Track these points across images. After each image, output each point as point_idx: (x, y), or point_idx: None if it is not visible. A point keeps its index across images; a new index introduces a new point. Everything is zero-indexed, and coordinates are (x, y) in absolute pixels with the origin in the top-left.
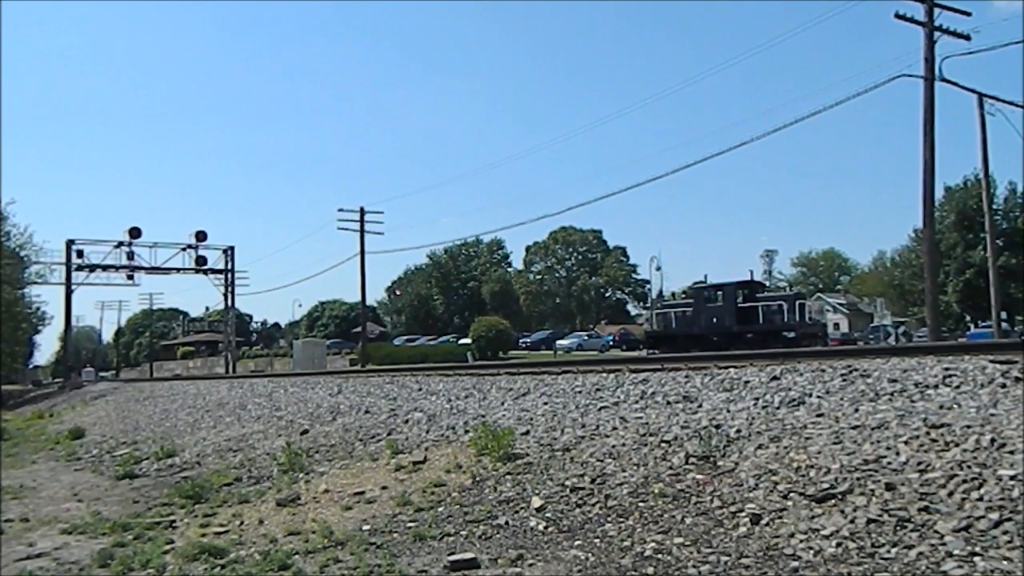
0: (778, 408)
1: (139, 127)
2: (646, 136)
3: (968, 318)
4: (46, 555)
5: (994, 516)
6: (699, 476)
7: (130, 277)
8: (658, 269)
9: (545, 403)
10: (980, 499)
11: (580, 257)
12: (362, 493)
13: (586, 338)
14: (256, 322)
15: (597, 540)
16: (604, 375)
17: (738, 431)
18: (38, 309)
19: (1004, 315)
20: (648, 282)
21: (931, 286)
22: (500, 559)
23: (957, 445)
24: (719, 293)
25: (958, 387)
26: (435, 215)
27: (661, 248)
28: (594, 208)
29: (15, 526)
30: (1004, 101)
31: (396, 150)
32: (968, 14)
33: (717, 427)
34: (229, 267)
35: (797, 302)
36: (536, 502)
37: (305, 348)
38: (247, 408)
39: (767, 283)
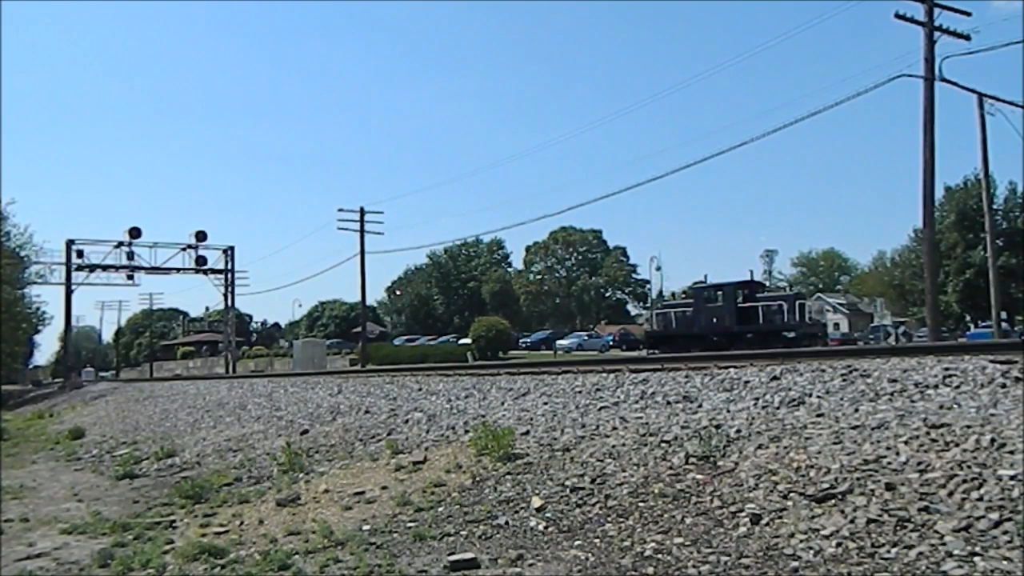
0: (778, 408)
1: (139, 127)
2: (646, 136)
3: (968, 318)
4: (46, 555)
5: (994, 516)
6: (699, 476)
7: (130, 277)
8: (658, 269)
9: (545, 403)
10: (980, 499)
11: (580, 257)
12: (362, 493)
13: (586, 338)
14: (256, 322)
15: (597, 540)
16: (604, 375)
17: (738, 431)
18: (38, 309)
19: (1004, 315)
20: (648, 282)
21: (931, 286)
22: (500, 559)
23: (957, 445)
24: (719, 293)
25: (958, 387)
26: (435, 215)
27: (661, 248)
28: (594, 208)
29: (15, 526)
30: (1004, 101)
31: (396, 150)
32: (968, 14)
33: (717, 427)
34: (229, 267)
35: (797, 302)
36: (536, 502)
37: (305, 348)
38: (247, 408)
39: (767, 283)
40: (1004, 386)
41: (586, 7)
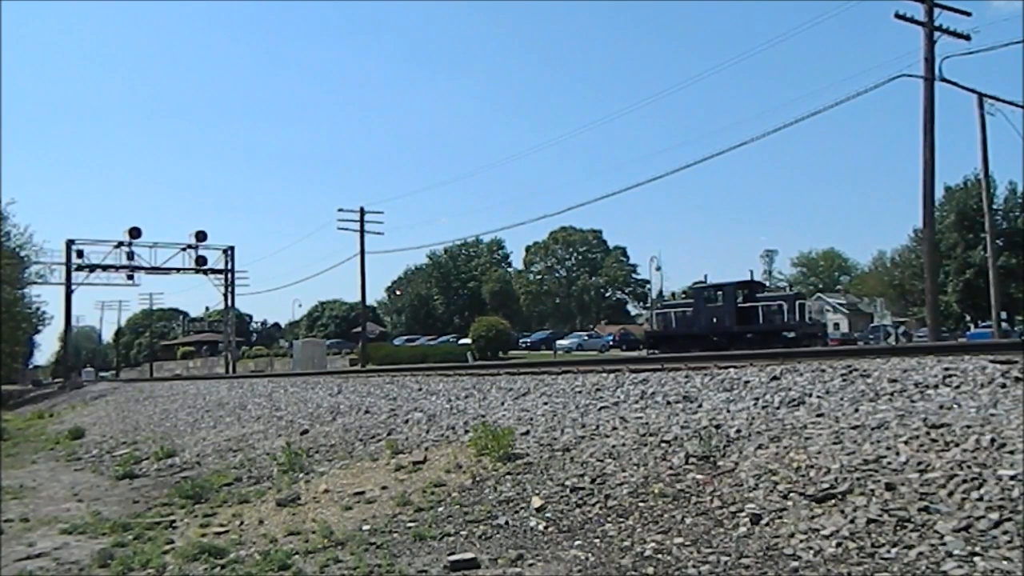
0: (778, 408)
1: (139, 127)
2: (646, 136)
3: (968, 318)
4: (46, 555)
5: (994, 516)
6: (699, 476)
7: (130, 277)
8: (658, 269)
9: (545, 403)
10: (980, 499)
11: (580, 257)
12: (362, 493)
13: (586, 338)
14: (256, 322)
15: (597, 540)
16: (604, 375)
17: (738, 431)
18: (38, 309)
19: (1004, 315)
20: (648, 282)
21: (931, 286)
22: (500, 559)
23: (957, 445)
24: (719, 293)
25: (958, 387)
26: (435, 215)
27: (661, 248)
28: (594, 208)
29: (15, 526)
30: (1004, 101)
31: (396, 150)
32: (968, 14)
33: (717, 427)
34: (229, 267)
35: (797, 302)
36: (536, 502)
37: (305, 348)
38: (247, 408)
39: (767, 283)
40: (1004, 386)
41: (586, 7)
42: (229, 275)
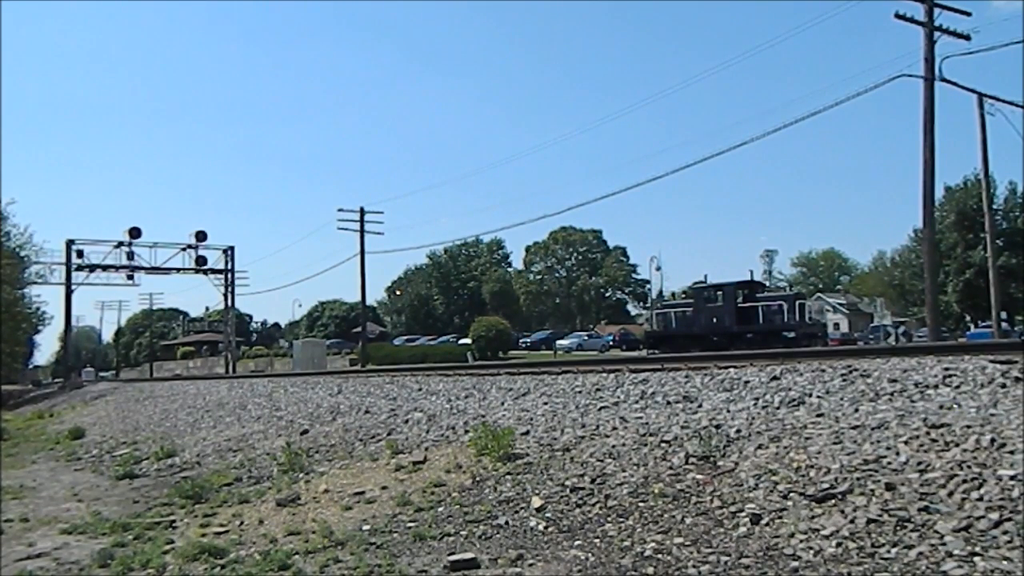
0: (778, 408)
1: (139, 127)
2: (646, 136)
3: (968, 318)
4: (46, 555)
5: (994, 516)
6: (699, 476)
7: (130, 277)
8: (658, 269)
9: (545, 403)
10: (980, 499)
11: (580, 257)
12: (362, 493)
13: (586, 338)
14: (256, 322)
15: (597, 540)
16: (604, 375)
17: (738, 431)
18: (38, 309)
19: (1004, 315)
20: (648, 282)
21: (931, 286)
22: (500, 559)
23: (957, 445)
24: (719, 293)
25: (958, 387)
26: (435, 215)
27: (661, 248)
28: (594, 208)
29: (15, 526)
30: (1004, 101)
31: (396, 150)
32: (968, 14)
33: (717, 427)
34: (229, 267)
35: (797, 302)
36: (536, 502)
37: (305, 348)
38: (247, 408)
39: (767, 283)
40: (1004, 386)
41: (586, 7)
42: (229, 275)
